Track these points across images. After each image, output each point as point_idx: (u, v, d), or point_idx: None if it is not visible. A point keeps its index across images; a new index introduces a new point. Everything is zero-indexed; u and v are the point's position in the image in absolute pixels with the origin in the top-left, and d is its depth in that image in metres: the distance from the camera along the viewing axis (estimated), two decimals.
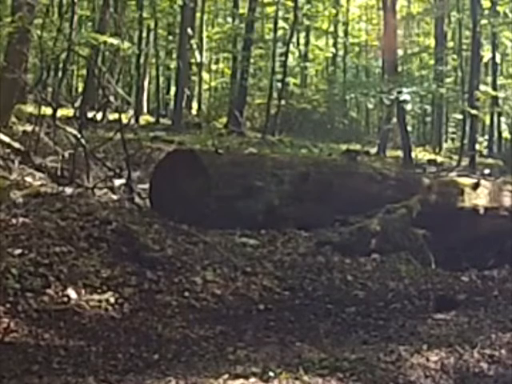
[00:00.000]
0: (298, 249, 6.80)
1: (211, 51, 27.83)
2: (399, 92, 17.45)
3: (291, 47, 24.44)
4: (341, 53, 29.46)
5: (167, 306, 5.10)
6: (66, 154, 8.93)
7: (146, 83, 24.80)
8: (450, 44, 26.68)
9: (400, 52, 23.86)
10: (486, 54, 23.70)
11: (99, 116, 17.67)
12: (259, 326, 4.94)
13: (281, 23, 24.08)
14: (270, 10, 24.30)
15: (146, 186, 8.16)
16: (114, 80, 16.41)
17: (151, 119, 22.71)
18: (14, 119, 12.07)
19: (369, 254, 6.73)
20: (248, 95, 24.05)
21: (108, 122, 16.73)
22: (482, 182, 8.45)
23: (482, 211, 7.93)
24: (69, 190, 7.75)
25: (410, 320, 5.18)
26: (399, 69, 21.42)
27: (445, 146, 25.27)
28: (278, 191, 7.68)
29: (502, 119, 25.63)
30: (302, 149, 17.61)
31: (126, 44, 14.48)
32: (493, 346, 4.31)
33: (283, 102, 22.48)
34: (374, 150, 19.60)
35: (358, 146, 19.56)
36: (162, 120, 22.35)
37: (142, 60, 23.57)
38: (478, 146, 20.45)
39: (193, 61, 23.67)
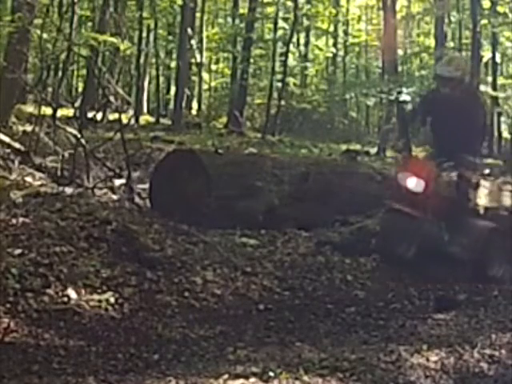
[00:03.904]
0: (298, 249, 6.79)
1: (211, 51, 27.82)
2: (399, 92, 17.43)
3: (291, 47, 24.44)
4: (341, 53, 29.46)
5: (167, 306, 5.10)
6: (66, 154, 8.93)
7: (146, 83, 24.81)
8: (450, 44, 26.67)
9: (400, 52, 23.87)
10: (486, 54, 23.70)
11: (99, 116, 17.67)
12: (259, 326, 4.94)
13: (281, 23, 24.08)
14: (270, 9, 24.30)
15: (146, 186, 8.16)
16: (114, 80, 16.40)
17: (151, 119, 22.72)
18: (14, 119, 12.06)
19: (369, 254, 6.74)
20: (248, 95, 24.05)
21: (108, 121, 16.74)
22: (482, 182, 8.44)
23: (481, 211, 7.92)
24: (69, 190, 7.75)
25: (409, 320, 5.18)
26: (399, 69, 21.41)
27: None
28: (278, 191, 7.68)
29: (502, 119, 25.63)
30: (302, 149, 17.61)
31: (126, 44, 14.47)
32: (493, 345, 4.31)
33: (283, 102, 22.48)
34: (374, 150, 19.58)
35: (358, 146, 19.55)
36: (162, 120, 22.36)
37: (142, 60, 23.58)
38: None
39: (193, 61, 23.67)
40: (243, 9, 24.42)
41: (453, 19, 25.87)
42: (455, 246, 6.61)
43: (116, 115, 11.72)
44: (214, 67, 29.63)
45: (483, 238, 6.79)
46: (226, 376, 3.67)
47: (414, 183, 6.56)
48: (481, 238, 6.78)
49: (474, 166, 6.79)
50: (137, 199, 7.98)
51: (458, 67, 6.82)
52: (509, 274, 6.71)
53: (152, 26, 24.34)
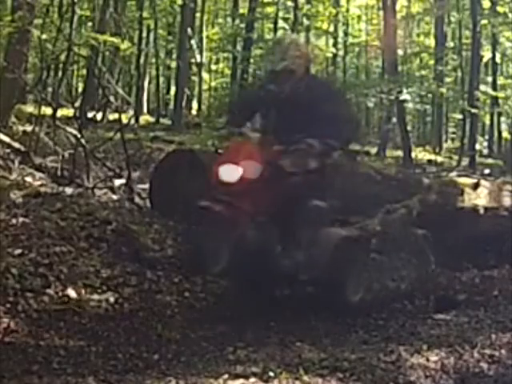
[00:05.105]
0: None
1: (211, 51, 27.84)
2: (399, 92, 17.45)
3: None
4: (341, 53, 29.46)
5: (167, 306, 5.10)
6: (66, 154, 8.92)
7: (146, 83, 24.80)
8: (450, 44, 26.69)
9: (400, 52, 23.87)
10: (486, 54, 23.72)
11: (99, 116, 17.67)
12: (259, 326, 4.94)
13: (281, 23, 24.09)
14: (270, 9, 24.31)
15: (146, 185, 8.16)
16: (114, 80, 16.40)
17: (151, 119, 22.72)
18: (13, 119, 12.05)
19: (369, 254, 6.73)
20: None
21: (108, 121, 16.74)
22: (482, 182, 8.44)
23: (481, 211, 7.93)
24: (69, 190, 7.74)
25: (410, 320, 5.18)
26: (399, 69, 21.42)
27: (445, 146, 25.27)
28: None
29: (502, 119, 25.63)
30: None
31: (126, 44, 14.47)
32: (493, 345, 4.31)
33: None
34: (374, 150, 19.60)
35: (357, 146, 19.55)
36: (162, 120, 22.35)
37: (142, 60, 23.58)
38: (478, 146, 20.45)
39: (193, 61, 23.67)
40: (243, 9, 24.43)
41: (453, 19, 25.88)
42: (288, 259, 5.07)
43: (116, 115, 11.71)
44: (214, 67, 29.63)
45: (329, 250, 5.18)
46: (225, 376, 3.67)
47: (227, 171, 4.89)
48: (326, 250, 5.17)
49: (314, 150, 5.15)
50: (137, 199, 7.98)
51: (285, 56, 5.29)
52: (370, 299, 5.44)
53: (152, 26, 24.36)
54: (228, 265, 4.86)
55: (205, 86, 26.98)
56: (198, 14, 24.75)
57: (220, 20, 29.71)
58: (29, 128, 10.82)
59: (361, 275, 5.51)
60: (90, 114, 16.77)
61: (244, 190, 4.87)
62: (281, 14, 24.09)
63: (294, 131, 5.09)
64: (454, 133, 28.72)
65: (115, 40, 11.91)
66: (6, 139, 9.33)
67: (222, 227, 4.83)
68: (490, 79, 24.11)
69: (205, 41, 26.05)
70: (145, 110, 24.14)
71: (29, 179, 8.25)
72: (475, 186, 8.11)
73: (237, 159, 4.94)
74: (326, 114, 5.14)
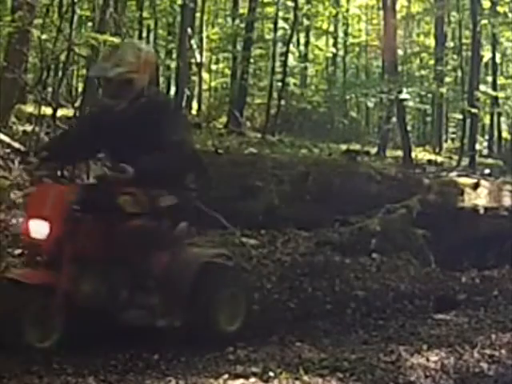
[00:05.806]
0: (298, 249, 6.80)
1: (211, 51, 27.83)
2: (399, 92, 17.46)
3: (291, 47, 24.44)
4: (341, 53, 29.47)
5: None
6: None
7: None
8: (450, 44, 26.68)
9: (400, 52, 23.87)
10: (486, 54, 23.72)
11: None
12: (259, 326, 4.94)
13: (281, 23, 24.08)
14: (269, 9, 24.30)
15: None
16: None
17: None
18: (13, 119, 12.05)
19: (369, 254, 6.75)
20: (248, 95, 24.05)
21: None
22: (482, 182, 8.45)
23: (481, 211, 7.94)
24: None
25: (410, 320, 5.19)
26: (399, 69, 21.41)
27: (445, 146, 25.26)
28: (278, 191, 7.70)
29: (502, 119, 25.62)
30: (302, 149, 17.60)
31: None
32: (493, 345, 4.31)
33: (283, 102, 22.47)
34: (374, 150, 19.60)
35: (357, 146, 19.56)
36: None
37: None
38: (478, 146, 20.44)
39: (193, 61, 23.67)
40: (243, 9, 24.41)
41: (453, 19, 25.85)
42: (136, 309, 4.38)
43: None
44: (214, 67, 29.61)
45: (189, 284, 4.44)
46: (226, 376, 3.67)
47: (34, 226, 4.19)
48: (185, 285, 4.44)
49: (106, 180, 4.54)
50: None
51: (121, 62, 4.38)
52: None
53: (152, 25, 24.35)
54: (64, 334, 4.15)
55: (205, 86, 26.95)
56: (198, 14, 24.72)
57: (220, 20, 29.68)
58: (29, 128, 10.82)
59: (237, 298, 4.75)
60: None
61: (57, 246, 4.14)
62: (281, 13, 24.03)
63: (126, 159, 4.41)
64: (454, 133, 28.70)
65: (115, 40, 11.89)
66: (6, 139, 9.34)
67: (34, 301, 4.09)
68: (490, 79, 24.10)
69: (205, 41, 26.02)
70: None
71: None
72: (475, 186, 8.13)
73: (42, 208, 4.21)
74: (157, 139, 4.34)
